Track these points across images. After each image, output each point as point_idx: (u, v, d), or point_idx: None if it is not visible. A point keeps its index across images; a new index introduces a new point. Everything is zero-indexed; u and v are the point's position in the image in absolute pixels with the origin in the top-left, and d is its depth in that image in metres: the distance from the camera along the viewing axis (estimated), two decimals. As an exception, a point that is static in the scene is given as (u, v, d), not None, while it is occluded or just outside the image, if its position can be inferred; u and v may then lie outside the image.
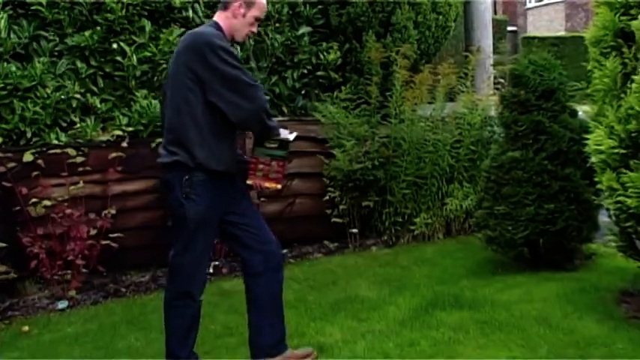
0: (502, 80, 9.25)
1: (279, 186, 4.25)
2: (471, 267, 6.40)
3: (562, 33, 28.71)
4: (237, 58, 3.96)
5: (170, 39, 6.87)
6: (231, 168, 4.11)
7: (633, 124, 4.54)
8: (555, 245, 5.94)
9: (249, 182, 4.23)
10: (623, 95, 4.69)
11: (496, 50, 9.86)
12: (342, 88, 7.73)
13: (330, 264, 6.86)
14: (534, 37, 26.68)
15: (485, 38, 9.28)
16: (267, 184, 4.22)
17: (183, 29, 6.96)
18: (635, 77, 4.57)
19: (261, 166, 4.23)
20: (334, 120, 7.38)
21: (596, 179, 5.04)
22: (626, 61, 4.71)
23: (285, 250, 7.25)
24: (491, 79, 8.78)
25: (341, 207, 7.31)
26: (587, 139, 4.97)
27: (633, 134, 4.57)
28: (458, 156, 7.56)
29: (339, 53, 7.85)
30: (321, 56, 7.81)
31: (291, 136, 4.26)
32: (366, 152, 7.17)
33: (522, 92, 6.02)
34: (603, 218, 5.74)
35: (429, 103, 7.66)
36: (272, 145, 4.22)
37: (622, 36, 4.80)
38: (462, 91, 7.84)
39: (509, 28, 30.63)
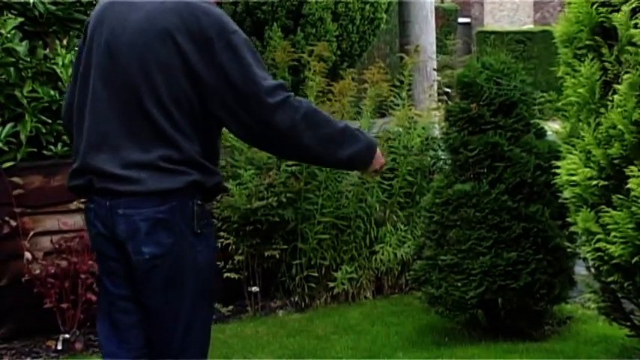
0: (449, 90, 9.35)
1: None
2: (409, 336, 6.39)
3: (529, 26, 29.39)
4: (254, 51, 3.44)
5: (3, 32, 6.72)
6: None
7: (616, 147, 4.60)
8: (519, 307, 5.98)
9: None
10: (602, 110, 4.76)
11: (442, 50, 9.98)
12: (238, 99, 7.68)
13: (222, 334, 6.77)
14: (493, 32, 27.24)
15: (426, 34, 9.39)
16: None
17: (21, 19, 6.83)
18: (617, 87, 4.63)
19: None
20: (227, 142, 7.32)
21: (569, 219, 5.09)
22: (607, 65, 4.78)
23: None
24: (435, 88, 8.87)
25: (237, 258, 7.24)
26: (558, 167, 5.02)
27: (616, 161, 4.63)
28: (391, 189, 7.57)
29: (233, 53, 7.80)
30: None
31: None
32: (270, 185, 7.13)
33: (474, 106, 6.08)
34: (580, 271, 5.80)
35: (353, 119, 7.66)
36: None
37: (601, 33, 4.87)
38: (397, 105, 7.88)
39: (461, 20, 31.23)
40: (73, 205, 6.17)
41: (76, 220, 6.34)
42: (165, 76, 3.32)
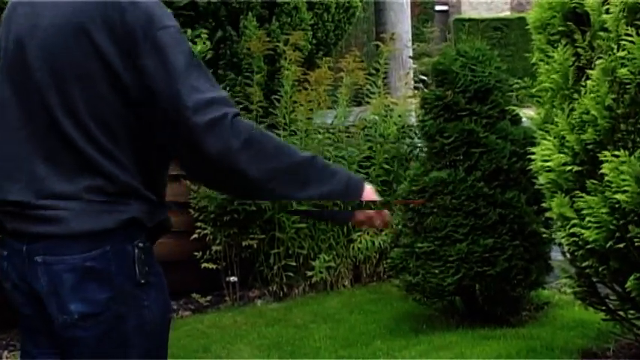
0: (425, 78, 9.38)
1: None
2: (387, 323, 6.41)
3: (507, 14, 29.44)
4: (186, 44, 2.71)
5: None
6: None
7: (589, 132, 4.62)
8: (496, 293, 6.01)
9: None
10: (576, 96, 4.78)
11: (419, 37, 9.99)
12: (214, 89, 7.67)
13: (200, 324, 6.78)
14: (470, 20, 27.28)
15: (401, 22, 9.43)
16: None
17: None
18: (590, 72, 4.66)
19: None
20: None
21: (545, 205, 5.12)
22: (580, 51, 4.81)
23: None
24: (411, 76, 8.89)
25: (214, 248, 7.24)
26: (533, 153, 5.04)
27: (590, 146, 4.66)
28: (368, 178, 7.57)
29: (208, 43, 7.78)
30: (185, 47, 7.74)
31: None
32: (247, 174, 7.13)
33: (449, 93, 6.10)
34: (557, 256, 5.83)
35: (330, 108, 7.67)
36: None
37: (574, 19, 4.89)
38: (373, 93, 7.90)
39: (438, 8, 31.23)
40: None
41: None
42: (83, 86, 2.61)
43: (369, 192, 2.76)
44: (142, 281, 2.65)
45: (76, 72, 2.60)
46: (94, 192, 2.60)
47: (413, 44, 10.31)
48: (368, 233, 7.47)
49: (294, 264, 7.40)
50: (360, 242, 7.47)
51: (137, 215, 2.64)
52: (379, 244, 7.45)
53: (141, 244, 2.65)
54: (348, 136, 7.65)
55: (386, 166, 7.66)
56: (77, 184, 2.60)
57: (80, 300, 2.59)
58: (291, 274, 7.43)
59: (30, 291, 2.67)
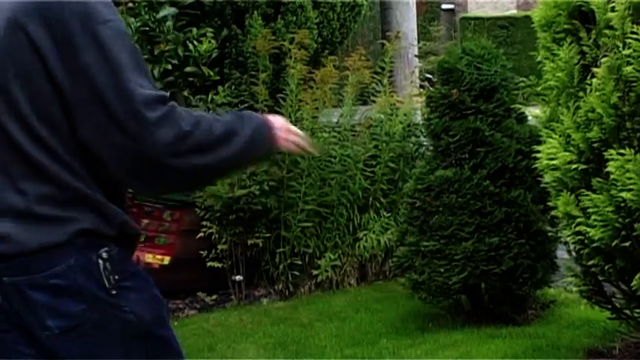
0: (431, 76, 9.37)
1: (167, 259, 3.07)
2: (393, 322, 6.41)
3: (513, 12, 29.40)
4: (127, 38, 2.58)
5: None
6: None
7: (595, 130, 4.62)
8: (502, 291, 6.00)
9: None
10: (581, 94, 4.77)
11: (426, 36, 10.00)
12: (220, 88, 7.67)
13: (206, 323, 6.78)
14: (477, 18, 27.25)
15: (407, 20, 9.41)
16: (150, 258, 3.28)
17: None
18: (596, 70, 4.65)
19: (145, 221, 3.37)
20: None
21: (550, 204, 5.11)
22: (585, 49, 4.80)
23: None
24: (416, 74, 8.88)
25: (220, 247, 7.23)
26: (539, 151, 5.04)
27: (595, 144, 4.66)
28: (373, 176, 7.58)
29: (214, 42, 7.79)
30: (191, 46, 7.74)
31: None
32: (252, 173, 7.12)
33: (455, 91, 6.09)
34: (562, 254, 5.83)
35: (335, 107, 7.67)
36: None
37: (579, 17, 4.89)
38: (378, 91, 7.89)
39: (445, 7, 31.20)
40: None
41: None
42: (24, 83, 2.48)
43: (279, 125, 2.73)
44: (114, 291, 2.55)
45: (17, 68, 2.48)
46: (44, 202, 2.48)
47: (419, 43, 10.31)
48: (374, 232, 7.47)
49: (299, 263, 7.40)
50: (366, 241, 7.46)
51: (88, 226, 2.52)
52: (385, 242, 7.45)
53: (104, 255, 2.54)
54: (353, 135, 7.65)
55: (392, 165, 7.65)
56: (27, 195, 2.49)
57: (56, 316, 2.51)
58: (297, 272, 7.43)
59: (9, 310, 2.54)
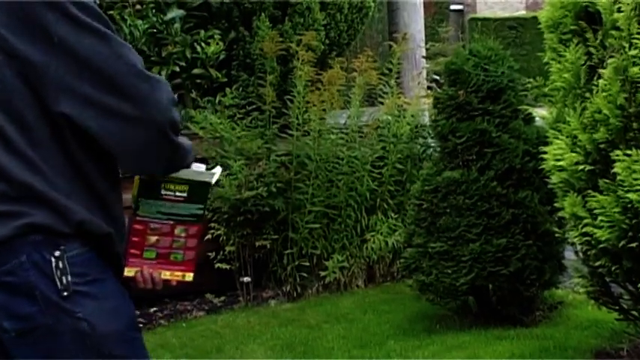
0: (438, 78, 9.38)
1: (190, 276, 2.90)
2: (400, 324, 6.41)
3: (522, 13, 29.37)
4: (107, 22, 2.53)
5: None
6: (122, 229, 2.75)
7: (602, 131, 4.61)
8: (509, 293, 5.99)
9: (127, 274, 2.77)
10: (588, 95, 4.77)
11: (434, 37, 10.00)
12: (227, 90, 7.69)
13: (214, 324, 6.80)
14: (486, 19, 27.24)
15: (414, 22, 9.42)
16: (167, 275, 2.85)
17: None
18: (602, 71, 4.65)
19: (154, 238, 2.83)
20: (216, 133, 7.33)
21: (557, 205, 5.11)
22: (591, 50, 4.80)
23: (153, 309, 7.14)
24: (423, 75, 8.88)
25: (228, 249, 7.25)
26: (546, 152, 5.03)
27: (602, 145, 4.65)
28: (381, 178, 7.58)
29: (222, 44, 7.81)
30: (199, 48, 7.76)
31: (215, 175, 2.89)
32: (260, 175, 7.14)
33: (462, 93, 6.09)
34: (570, 255, 5.82)
35: (343, 108, 7.68)
36: (174, 194, 2.81)
37: (586, 18, 4.89)
38: (385, 93, 7.90)
39: (453, 7, 31.18)
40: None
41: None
42: None
43: None
44: (66, 293, 2.44)
45: None
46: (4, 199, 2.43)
47: (428, 44, 10.31)
48: (381, 234, 7.47)
49: (307, 264, 7.40)
50: (374, 242, 7.47)
51: (40, 221, 2.44)
52: (392, 244, 7.45)
53: (58, 253, 2.44)
54: (361, 137, 7.65)
55: (399, 166, 7.65)
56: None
57: (11, 317, 2.45)
58: (305, 274, 7.43)
59: None
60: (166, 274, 2.81)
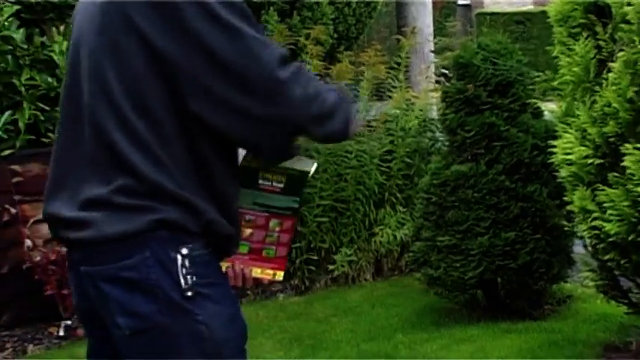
0: (446, 72, 9.35)
1: (280, 275, 2.80)
2: (409, 317, 6.41)
3: (529, 7, 29.29)
4: (251, 19, 2.50)
5: (0, 20, 6.72)
6: (240, 231, 2.70)
7: (611, 125, 4.60)
8: (518, 286, 5.99)
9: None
10: (597, 88, 4.76)
11: (442, 32, 9.98)
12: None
13: (222, 318, 6.79)
14: (493, 13, 27.17)
15: (423, 16, 9.41)
16: (258, 272, 2.77)
17: (18, 6, 6.83)
18: (612, 65, 4.64)
19: (248, 231, 2.74)
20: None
21: (566, 198, 5.10)
22: (601, 43, 4.78)
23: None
24: (432, 69, 8.87)
25: (236, 242, 7.24)
26: (555, 146, 5.02)
27: (611, 139, 4.64)
28: (389, 172, 7.58)
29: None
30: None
31: (314, 164, 2.85)
32: (269, 168, 7.14)
33: (470, 87, 6.08)
34: (579, 249, 5.81)
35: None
36: (271, 184, 2.72)
37: (595, 11, 4.88)
38: (394, 87, 7.89)
39: (461, 2, 31.13)
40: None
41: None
42: (117, 63, 2.42)
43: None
44: (189, 293, 2.38)
45: (111, 49, 2.41)
46: (123, 193, 2.38)
47: (435, 38, 10.30)
48: (390, 227, 7.46)
49: (315, 258, 7.40)
50: (382, 236, 7.46)
51: (171, 216, 2.38)
52: (401, 237, 7.44)
53: (185, 251, 2.38)
54: (369, 130, 7.65)
55: (407, 160, 7.65)
56: (109, 186, 2.39)
57: (127, 314, 2.38)
58: (313, 267, 7.43)
59: (87, 308, 2.51)
60: (257, 272, 2.75)
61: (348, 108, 2.58)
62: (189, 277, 2.37)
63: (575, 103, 4.92)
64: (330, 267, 7.41)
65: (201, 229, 2.42)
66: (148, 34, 2.36)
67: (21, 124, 6.53)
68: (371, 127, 7.67)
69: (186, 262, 2.37)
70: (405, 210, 7.57)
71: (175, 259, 2.37)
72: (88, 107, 2.44)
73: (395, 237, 7.47)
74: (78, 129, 2.48)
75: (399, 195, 7.63)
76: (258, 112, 2.40)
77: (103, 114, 2.40)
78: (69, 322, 6.58)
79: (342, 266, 7.41)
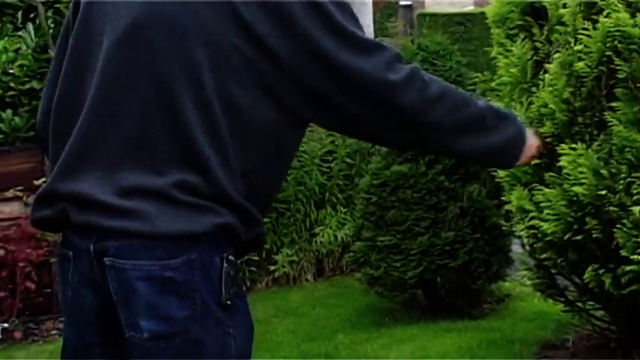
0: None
1: None
2: (349, 317, 6.44)
3: (470, 8, 29.46)
4: (358, 22, 2.37)
5: None
6: None
7: (547, 125, 4.64)
8: (457, 285, 6.03)
9: None
10: (534, 89, 4.80)
11: (384, 32, 9.99)
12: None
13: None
14: (434, 14, 27.28)
15: (363, 15, 9.41)
16: None
17: None
18: (548, 66, 4.68)
19: None
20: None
21: (504, 198, 5.14)
22: (538, 45, 4.83)
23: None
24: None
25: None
26: (492, 146, 5.05)
27: (548, 139, 4.68)
28: (330, 172, 7.59)
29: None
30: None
31: None
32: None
33: (410, 87, 6.10)
34: (517, 249, 5.86)
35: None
36: None
37: (532, 13, 4.92)
38: (334, 87, 7.89)
39: (402, 3, 31.24)
40: (10, 193, 6.14)
41: (13, 208, 6.30)
42: (212, 54, 2.21)
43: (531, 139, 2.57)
44: (228, 302, 2.20)
45: (205, 38, 2.21)
46: (184, 189, 2.17)
47: (377, 39, 10.32)
48: (331, 227, 7.47)
49: (256, 258, 7.37)
50: (323, 236, 7.47)
51: (230, 222, 2.20)
52: (342, 237, 7.46)
53: (231, 257, 2.22)
54: (310, 131, 7.64)
55: (348, 160, 7.66)
56: (165, 178, 2.17)
57: (153, 316, 2.15)
58: (254, 268, 7.42)
59: (98, 306, 2.25)
60: None
61: (516, 122, 2.53)
62: (230, 285, 2.21)
63: (513, 103, 4.95)
64: (272, 267, 7.41)
65: (250, 239, 2.29)
66: (255, 30, 2.20)
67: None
68: (311, 127, 7.66)
69: (232, 271, 2.22)
70: (345, 210, 7.59)
71: (219, 265, 2.20)
72: (160, 92, 2.20)
73: (336, 237, 7.49)
74: (119, 105, 2.22)
75: (339, 195, 7.65)
76: (369, 117, 2.33)
77: (188, 106, 2.18)
78: (6, 325, 6.51)
79: (284, 267, 7.41)
